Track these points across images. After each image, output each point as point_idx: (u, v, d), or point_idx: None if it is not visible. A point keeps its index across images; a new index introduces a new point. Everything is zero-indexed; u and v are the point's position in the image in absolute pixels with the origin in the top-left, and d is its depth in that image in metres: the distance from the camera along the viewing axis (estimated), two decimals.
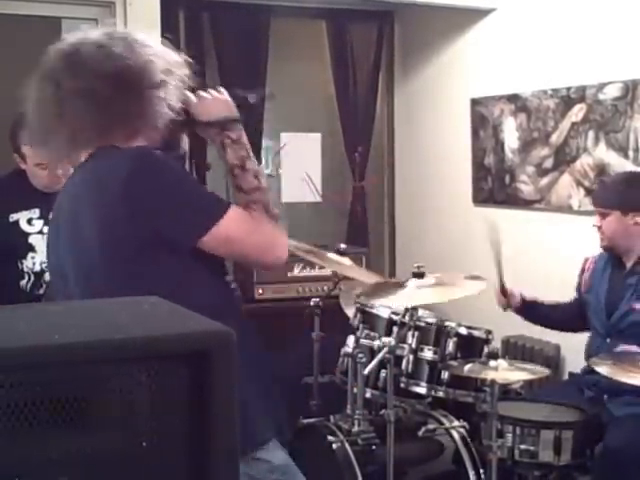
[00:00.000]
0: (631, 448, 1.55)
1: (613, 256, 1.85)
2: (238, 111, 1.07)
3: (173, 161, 1.00)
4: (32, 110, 1.02)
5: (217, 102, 1.06)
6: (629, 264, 1.82)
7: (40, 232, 1.79)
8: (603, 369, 1.44)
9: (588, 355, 1.84)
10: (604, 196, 1.85)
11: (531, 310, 1.97)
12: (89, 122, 0.98)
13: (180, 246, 0.96)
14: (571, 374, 2.07)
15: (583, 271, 1.94)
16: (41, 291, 1.77)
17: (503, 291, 1.91)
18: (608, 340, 1.81)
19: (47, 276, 1.78)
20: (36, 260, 1.77)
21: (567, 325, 2.00)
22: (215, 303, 0.90)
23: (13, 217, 1.79)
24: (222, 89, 1.09)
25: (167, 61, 1.04)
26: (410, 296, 1.61)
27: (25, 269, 1.77)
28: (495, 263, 1.87)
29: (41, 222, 1.79)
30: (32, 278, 1.78)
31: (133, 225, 0.94)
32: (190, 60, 1.08)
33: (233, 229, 0.97)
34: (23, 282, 1.78)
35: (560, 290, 2.22)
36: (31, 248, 1.78)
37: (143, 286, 0.86)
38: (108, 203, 0.96)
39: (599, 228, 1.82)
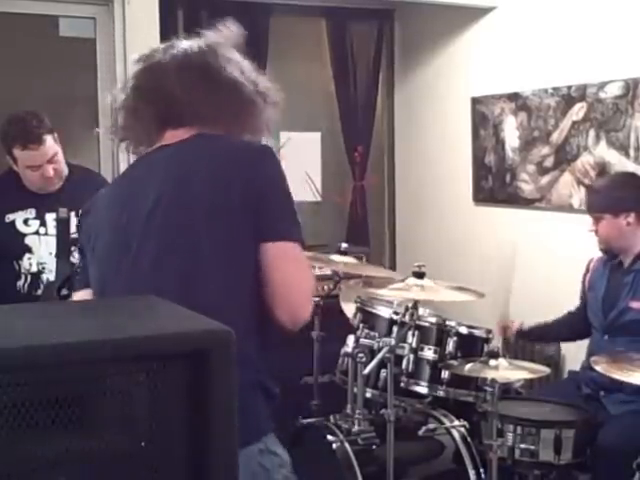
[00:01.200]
0: (624, 445, 1.55)
1: (611, 255, 1.86)
2: None
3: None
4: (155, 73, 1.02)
5: None
6: (627, 263, 1.83)
7: (36, 233, 1.78)
8: (600, 366, 1.44)
9: (589, 353, 1.84)
10: (594, 201, 1.88)
11: (533, 335, 2.00)
12: (210, 102, 1.00)
13: (261, 236, 0.95)
14: (570, 372, 2.07)
15: (587, 271, 1.94)
16: (38, 292, 1.77)
17: (504, 326, 1.94)
18: (606, 337, 1.82)
19: (44, 277, 1.78)
20: (32, 261, 1.77)
21: (574, 336, 2.02)
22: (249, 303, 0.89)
23: (9, 218, 1.78)
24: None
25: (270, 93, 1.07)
26: (409, 292, 1.61)
27: (22, 270, 1.77)
28: (504, 297, 1.88)
29: (37, 222, 1.79)
30: (29, 279, 1.77)
31: (243, 203, 0.94)
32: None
33: (302, 255, 0.98)
34: (20, 283, 1.78)
35: (561, 289, 2.21)
36: (27, 249, 1.77)
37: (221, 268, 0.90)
38: (229, 177, 0.95)
39: (595, 232, 1.83)
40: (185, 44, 1.06)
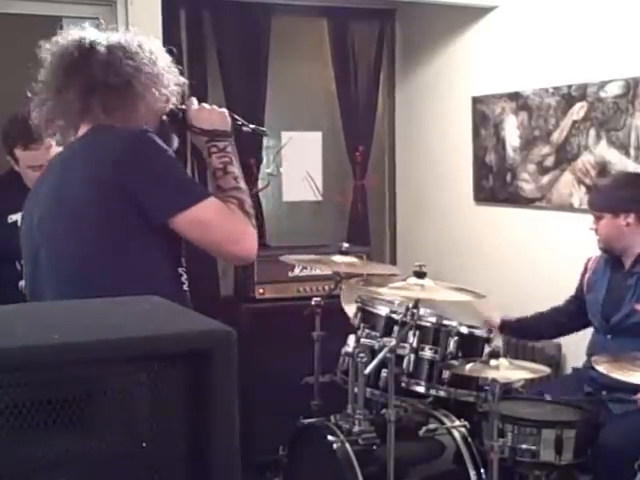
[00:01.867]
0: (626, 445, 1.55)
1: (613, 257, 1.86)
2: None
3: (164, 144, 1.08)
4: (48, 76, 1.11)
5: (214, 114, 1.17)
6: (627, 264, 1.83)
7: None
8: (601, 366, 1.44)
9: (590, 352, 1.84)
10: (596, 199, 1.88)
11: (515, 330, 1.98)
12: (97, 100, 1.08)
13: (153, 221, 1.03)
14: (574, 369, 2.06)
15: (585, 271, 1.94)
16: None
17: (487, 324, 1.93)
18: (609, 337, 1.82)
19: None
20: None
21: (565, 328, 2.01)
22: (161, 289, 0.93)
23: (12, 218, 1.78)
24: (224, 109, 1.19)
25: (169, 64, 1.14)
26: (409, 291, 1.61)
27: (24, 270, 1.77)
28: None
29: None
30: None
31: (117, 194, 1.02)
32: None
33: (208, 213, 1.04)
34: (22, 283, 1.78)
35: (562, 288, 2.21)
36: None
37: (106, 255, 0.99)
38: (101, 172, 1.04)
39: (596, 231, 1.83)
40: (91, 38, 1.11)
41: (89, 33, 1.11)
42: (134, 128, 1.06)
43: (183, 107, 1.16)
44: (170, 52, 1.14)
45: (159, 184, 1.03)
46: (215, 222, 1.04)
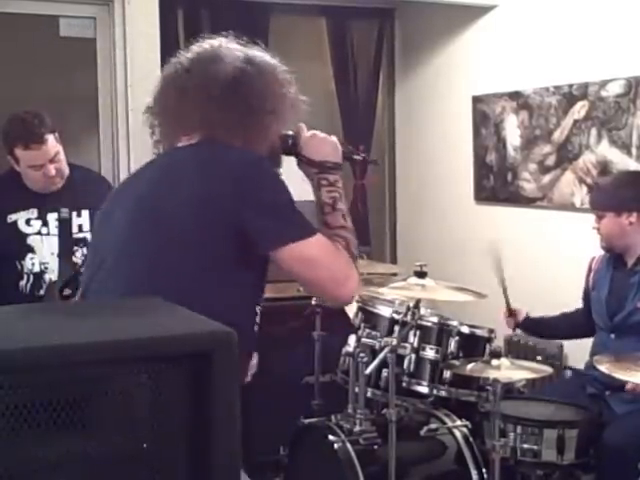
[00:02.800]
0: (630, 445, 1.54)
1: (616, 256, 1.86)
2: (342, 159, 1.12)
3: (278, 172, 1.05)
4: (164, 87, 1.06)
5: (326, 144, 1.11)
6: (630, 263, 1.83)
7: (38, 233, 1.78)
8: (603, 366, 1.44)
9: (594, 352, 1.84)
10: (598, 198, 1.88)
11: (536, 326, 1.99)
12: (226, 115, 1.02)
13: (260, 249, 0.99)
14: (575, 370, 2.07)
15: (590, 270, 1.94)
16: (41, 292, 1.77)
17: (510, 313, 1.93)
18: (612, 336, 1.81)
19: (47, 277, 1.77)
20: (35, 261, 1.77)
21: (574, 334, 2.02)
22: (239, 324, 0.92)
23: (11, 218, 1.78)
24: (334, 137, 1.15)
25: (294, 93, 1.11)
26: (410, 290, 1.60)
27: (24, 270, 1.77)
28: (501, 287, 1.87)
29: (39, 223, 1.78)
30: (31, 279, 1.77)
31: (228, 214, 0.97)
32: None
33: (316, 251, 1.00)
34: (22, 283, 1.77)
35: (563, 288, 2.21)
36: (30, 249, 1.77)
37: (194, 280, 0.93)
38: (217, 189, 0.98)
39: (598, 230, 1.83)
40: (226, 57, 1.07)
41: (232, 46, 1.06)
42: (253, 152, 1.01)
43: (292, 133, 1.11)
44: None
45: (273, 213, 0.99)
46: (322, 261, 1.00)
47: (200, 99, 1.02)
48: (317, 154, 1.09)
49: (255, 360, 1.18)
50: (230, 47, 1.07)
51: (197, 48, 1.07)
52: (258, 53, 1.09)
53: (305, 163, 1.10)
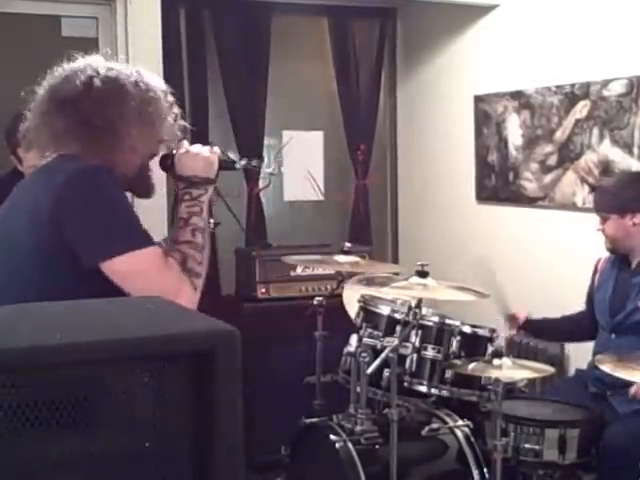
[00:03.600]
0: (631, 445, 1.54)
1: (619, 256, 1.85)
2: (220, 169, 1.12)
3: (116, 185, 1.03)
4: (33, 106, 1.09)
5: (198, 159, 1.11)
6: (634, 263, 1.83)
7: None
8: (606, 366, 1.43)
9: (595, 351, 1.84)
10: (601, 200, 1.87)
11: (538, 329, 1.99)
12: (75, 132, 1.04)
13: (83, 263, 0.98)
14: (577, 370, 2.06)
15: (595, 272, 1.94)
16: None
17: (512, 319, 1.93)
18: (613, 336, 1.81)
19: None
20: None
21: (576, 336, 2.01)
22: None
23: None
24: (216, 148, 1.14)
25: (169, 101, 1.10)
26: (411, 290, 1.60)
27: None
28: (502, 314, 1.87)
29: None
30: None
31: (53, 229, 0.98)
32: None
33: (139, 265, 0.99)
34: None
35: (564, 288, 2.20)
36: None
37: (37, 289, 0.92)
38: (42, 205, 1.00)
39: (602, 232, 1.82)
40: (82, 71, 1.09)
41: (93, 61, 1.09)
42: (87, 163, 1.01)
43: (173, 152, 1.11)
44: (172, 94, 1.10)
45: (92, 226, 0.98)
46: (143, 275, 0.98)
47: (47, 114, 1.05)
48: (187, 169, 1.09)
49: None
50: (92, 63, 1.09)
51: (60, 69, 1.09)
52: (120, 68, 1.09)
53: (175, 179, 1.10)
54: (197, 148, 1.11)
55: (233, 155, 1.18)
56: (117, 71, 1.08)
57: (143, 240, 1.01)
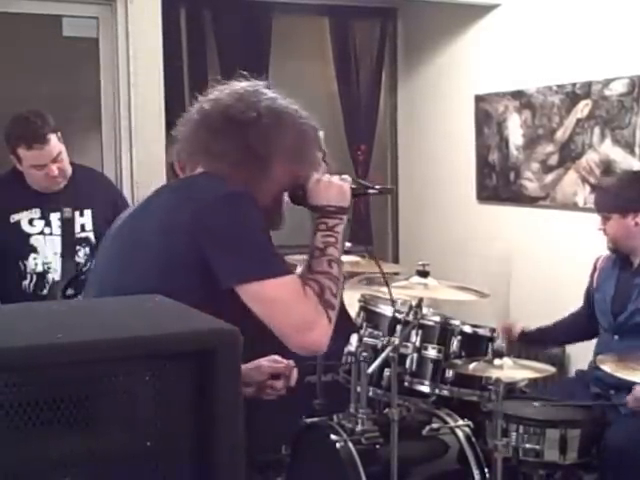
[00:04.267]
0: (632, 445, 1.54)
1: (621, 256, 1.85)
2: (353, 197, 1.11)
3: (259, 212, 1.00)
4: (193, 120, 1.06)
5: (331, 188, 1.09)
6: (636, 263, 1.82)
7: (41, 233, 1.78)
8: (607, 366, 1.43)
9: (597, 352, 1.83)
10: (602, 200, 1.87)
11: (536, 338, 1.98)
12: (231, 156, 1.02)
13: (221, 282, 0.96)
14: (578, 371, 2.06)
15: (594, 270, 1.93)
16: (44, 291, 1.77)
17: (507, 330, 1.93)
18: (616, 337, 1.81)
19: (50, 276, 1.78)
20: (38, 261, 1.77)
21: (574, 338, 2.01)
22: None
23: (14, 218, 1.78)
24: (346, 176, 1.12)
25: (319, 140, 1.10)
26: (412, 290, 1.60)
27: (27, 270, 1.77)
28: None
29: (42, 223, 1.79)
30: (34, 278, 1.77)
31: (185, 243, 0.97)
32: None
33: (277, 292, 0.97)
34: (25, 282, 1.78)
35: (565, 287, 2.20)
36: (33, 249, 1.77)
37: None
38: (178, 218, 0.99)
39: (604, 231, 1.82)
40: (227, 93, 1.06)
41: (262, 86, 1.06)
42: (234, 188, 0.99)
43: (302, 183, 1.09)
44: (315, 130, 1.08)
45: (234, 248, 0.96)
46: (281, 304, 0.96)
47: (203, 131, 1.03)
48: (321, 199, 1.07)
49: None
50: (261, 89, 1.07)
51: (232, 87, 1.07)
52: (284, 102, 1.07)
53: (309, 209, 1.09)
54: (328, 177, 1.09)
55: (363, 182, 1.17)
56: (282, 102, 1.06)
57: (284, 268, 0.99)
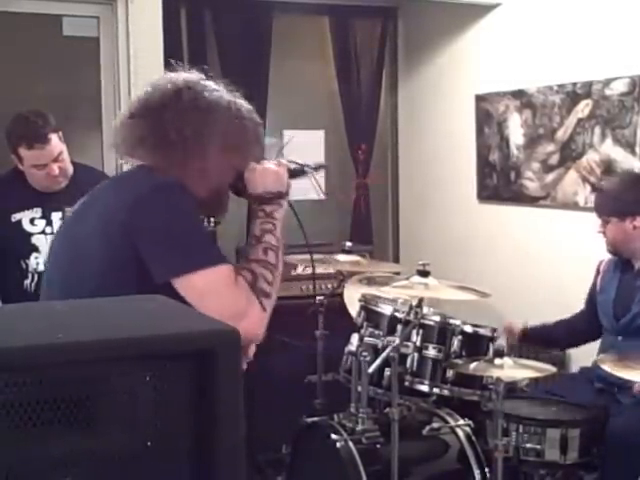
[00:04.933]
0: (634, 435, 1.54)
1: (622, 258, 1.85)
2: (291, 178, 1.09)
3: (190, 202, 1.00)
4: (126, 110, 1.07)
5: (267, 174, 1.08)
6: (637, 266, 1.82)
7: (43, 232, 1.79)
8: (606, 365, 1.43)
9: (600, 353, 1.83)
10: (601, 203, 1.87)
11: (536, 335, 1.98)
12: (150, 143, 1.02)
13: (154, 278, 0.97)
14: (582, 368, 2.06)
15: (598, 273, 1.93)
16: None
17: (509, 331, 1.93)
18: (619, 338, 1.81)
19: None
20: (39, 260, 1.77)
21: (575, 341, 2.01)
22: None
23: (15, 217, 1.78)
24: (283, 160, 1.12)
25: (258, 134, 1.09)
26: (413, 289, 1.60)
27: (29, 269, 1.77)
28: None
29: (43, 222, 1.79)
30: (36, 278, 1.78)
31: (125, 242, 0.97)
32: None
33: (207, 283, 0.96)
34: (27, 282, 1.78)
35: (566, 287, 2.20)
36: (34, 248, 1.78)
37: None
38: (114, 216, 0.99)
39: (603, 234, 1.82)
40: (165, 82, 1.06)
41: (192, 77, 1.05)
42: (163, 179, 0.99)
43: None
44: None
45: (164, 242, 0.96)
46: (212, 294, 0.95)
47: (131, 117, 1.03)
48: (258, 186, 1.06)
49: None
50: (189, 77, 1.06)
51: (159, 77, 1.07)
52: (220, 91, 1.07)
53: (250, 199, 1.08)
54: (263, 164, 1.08)
55: (300, 161, 1.15)
56: (212, 91, 1.05)
57: (216, 257, 0.98)
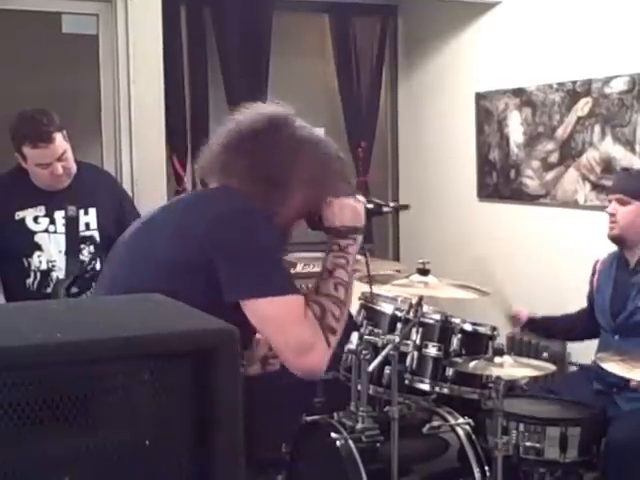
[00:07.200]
0: (634, 443, 1.54)
1: (619, 256, 1.85)
2: (369, 216, 1.11)
3: (272, 229, 1.01)
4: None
5: (344, 208, 1.09)
6: (633, 262, 1.82)
7: (46, 231, 1.78)
8: (609, 365, 1.43)
9: (599, 351, 1.83)
10: (628, 184, 1.80)
11: (541, 327, 1.99)
12: (248, 176, 1.03)
13: (225, 296, 0.97)
14: (581, 366, 2.06)
15: (594, 273, 1.93)
16: (48, 290, 1.77)
17: (514, 319, 1.94)
18: (616, 337, 1.81)
19: (54, 274, 1.77)
20: (42, 258, 1.77)
21: (581, 334, 2.01)
22: None
23: (19, 215, 1.78)
24: (360, 197, 1.12)
25: (344, 171, 1.11)
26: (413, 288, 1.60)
27: (32, 267, 1.77)
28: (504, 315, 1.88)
29: (47, 220, 1.79)
30: (38, 276, 1.77)
31: (198, 253, 0.97)
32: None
33: (276, 312, 0.96)
34: (29, 280, 1.78)
35: (565, 285, 2.20)
36: (37, 247, 1.77)
37: None
38: (191, 230, 1.00)
39: (612, 215, 1.77)
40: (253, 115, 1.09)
41: (282, 110, 1.08)
42: (248, 203, 1.00)
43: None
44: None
45: (242, 263, 0.97)
46: (279, 323, 0.96)
47: (223, 147, 1.05)
48: (334, 220, 1.07)
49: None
50: (278, 111, 1.09)
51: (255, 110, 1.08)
52: (309, 131, 1.10)
53: (325, 232, 1.08)
54: (341, 198, 1.09)
55: (377, 200, 1.17)
56: (303, 127, 1.08)
57: (288, 287, 0.99)
